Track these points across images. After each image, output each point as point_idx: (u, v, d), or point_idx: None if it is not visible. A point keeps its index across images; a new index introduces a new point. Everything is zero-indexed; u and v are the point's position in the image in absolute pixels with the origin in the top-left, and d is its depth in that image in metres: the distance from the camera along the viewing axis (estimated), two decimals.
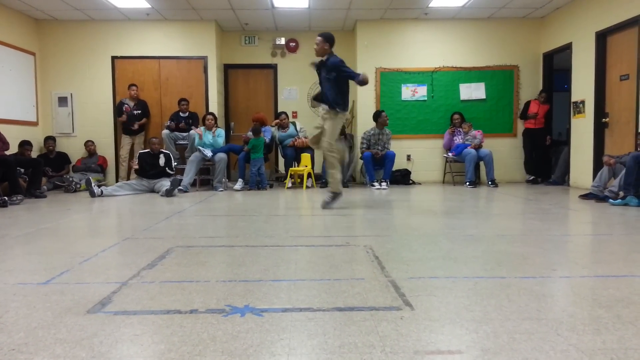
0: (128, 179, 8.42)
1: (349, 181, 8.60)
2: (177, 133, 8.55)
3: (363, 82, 5.22)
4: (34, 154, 8.28)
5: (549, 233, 3.83)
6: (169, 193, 6.80)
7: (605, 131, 7.30)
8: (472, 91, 9.06)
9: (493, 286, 2.36)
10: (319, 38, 5.44)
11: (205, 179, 8.45)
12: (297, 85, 9.65)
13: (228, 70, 9.69)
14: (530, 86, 9.05)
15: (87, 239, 3.85)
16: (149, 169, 7.41)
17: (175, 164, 7.96)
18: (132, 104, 8.64)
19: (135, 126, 8.59)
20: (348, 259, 2.95)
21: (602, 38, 7.25)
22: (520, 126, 9.03)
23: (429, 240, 3.60)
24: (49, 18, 8.64)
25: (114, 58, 8.91)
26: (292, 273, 2.63)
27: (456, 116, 8.72)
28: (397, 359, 1.56)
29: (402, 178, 8.70)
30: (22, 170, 6.85)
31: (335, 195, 5.40)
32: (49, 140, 8.46)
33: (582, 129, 7.74)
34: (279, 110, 9.19)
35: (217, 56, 9.08)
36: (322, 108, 5.50)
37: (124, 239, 3.69)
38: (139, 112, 8.65)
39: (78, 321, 1.91)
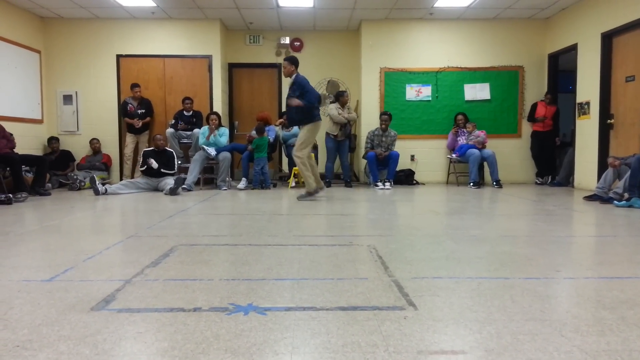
0: (132, 177, 8.45)
1: (352, 181, 8.60)
2: (181, 132, 8.56)
3: (289, 104, 6.17)
4: (38, 152, 8.32)
5: (553, 234, 3.82)
6: (172, 192, 6.81)
7: (610, 132, 7.28)
8: (477, 92, 9.05)
9: (497, 287, 2.35)
10: (285, 62, 6.21)
11: (209, 178, 8.46)
12: None
13: (232, 69, 9.70)
14: (535, 87, 9.03)
15: (91, 237, 3.86)
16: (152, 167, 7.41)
17: (179, 162, 7.97)
18: (135, 103, 8.65)
19: (139, 124, 8.60)
20: (351, 259, 2.95)
21: (607, 39, 7.22)
22: (525, 127, 9.02)
23: (433, 240, 3.59)
24: (54, 16, 8.67)
25: (119, 56, 8.94)
26: (295, 272, 2.63)
27: (460, 117, 8.71)
28: (401, 359, 1.56)
29: (406, 178, 8.69)
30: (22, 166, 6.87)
31: (309, 194, 6.30)
32: (53, 140, 8.50)
33: (587, 130, 7.71)
34: (283, 109, 9.18)
35: (222, 55, 9.09)
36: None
37: (128, 237, 3.70)
38: (143, 111, 8.67)
39: (82, 318, 1.92)
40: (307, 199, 6.23)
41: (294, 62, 6.20)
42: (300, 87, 6.09)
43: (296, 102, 6.03)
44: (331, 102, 8.51)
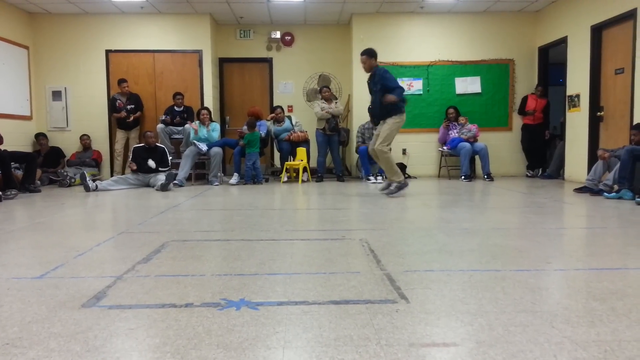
0: (123, 173, 8.40)
1: (344, 175, 8.61)
2: (172, 127, 8.51)
3: (386, 101, 5.61)
4: (27, 148, 8.24)
5: (544, 226, 3.85)
6: (164, 187, 6.78)
7: (600, 125, 7.32)
8: (468, 85, 9.06)
9: (488, 279, 2.36)
10: (363, 57, 5.88)
11: (200, 173, 8.43)
12: (292, 79, 9.62)
13: (223, 64, 9.65)
14: (525, 80, 9.06)
15: (81, 233, 3.84)
16: (144, 163, 7.37)
17: (171, 158, 7.93)
18: (124, 99, 8.59)
19: (130, 117, 8.54)
20: (344, 253, 2.95)
21: (597, 32, 7.25)
22: (516, 120, 9.05)
23: (425, 233, 3.60)
24: (42, 11, 8.57)
25: (108, 52, 8.86)
26: (287, 267, 2.63)
27: (451, 110, 8.71)
28: (393, 352, 1.57)
29: None
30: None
31: (399, 188, 5.82)
32: (40, 136, 8.41)
33: (577, 123, 7.76)
34: (275, 104, 9.17)
35: (212, 50, 9.04)
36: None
37: (119, 233, 3.68)
38: (132, 106, 8.61)
39: (73, 315, 1.91)
40: (398, 194, 5.82)
41: (372, 54, 5.84)
42: (383, 80, 5.69)
43: (391, 98, 5.54)
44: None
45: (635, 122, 6.22)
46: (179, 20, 8.85)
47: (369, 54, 5.86)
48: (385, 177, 7.67)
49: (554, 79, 9.18)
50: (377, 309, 1.95)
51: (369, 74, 6.01)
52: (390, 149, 5.91)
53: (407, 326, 1.77)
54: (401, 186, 5.83)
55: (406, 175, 8.74)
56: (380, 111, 5.85)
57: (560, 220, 4.37)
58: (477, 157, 8.43)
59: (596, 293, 2.14)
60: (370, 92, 6.02)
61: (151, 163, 7.29)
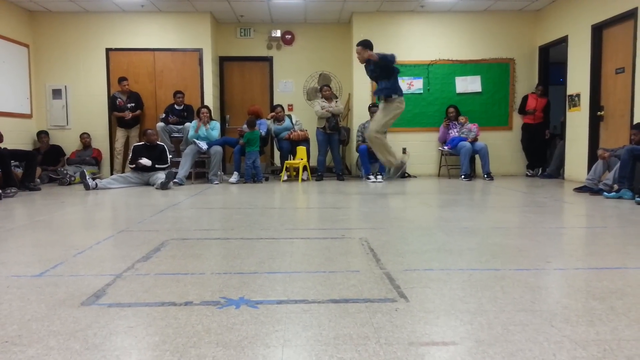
0: (123, 171, 8.39)
1: (344, 174, 8.61)
2: (172, 126, 8.50)
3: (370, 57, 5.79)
4: (27, 146, 8.24)
5: (544, 225, 3.84)
6: (164, 186, 6.77)
7: (600, 124, 7.32)
8: (468, 84, 9.06)
9: (488, 278, 2.36)
10: (358, 47, 5.98)
11: (200, 172, 8.42)
12: (292, 78, 9.62)
13: (223, 62, 9.64)
14: (526, 79, 9.05)
15: (81, 232, 3.84)
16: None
17: (171, 156, 7.93)
18: (124, 97, 8.59)
19: (129, 115, 8.53)
20: (343, 252, 2.95)
21: (597, 31, 7.25)
22: (517, 119, 9.05)
23: (424, 232, 3.60)
24: (42, 10, 8.57)
25: (108, 50, 8.85)
26: (287, 265, 2.63)
27: (451, 109, 8.71)
28: (392, 350, 1.57)
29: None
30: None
31: (398, 168, 5.97)
32: (42, 134, 8.42)
33: (577, 122, 7.75)
34: (275, 103, 9.16)
35: (213, 48, 9.04)
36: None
37: (119, 231, 3.68)
38: (132, 104, 8.61)
39: (72, 313, 1.91)
40: (399, 174, 5.88)
41: (368, 45, 5.92)
42: (383, 59, 5.76)
43: (373, 55, 5.74)
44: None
45: (635, 122, 6.22)
46: (179, 18, 8.85)
47: (364, 45, 5.94)
48: (377, 175, 7.63)
49: (554, 79, 9.17)
50: (377, 307, 1.95)
51: (363, 64, 6.15)
52: (385, 134, 6.02)
53: (406, 325, 1.77)
54: (400, 166, 5.89)
55: (406, 175, 8.74)
56: (387, 86, 5.98)
57: (560, 220, 4.37)
58: (477, 156, 8.42)
59: (596, 292, 2.14)
60: (371, 77, 6.24)
61: (145, 161, 7.26)
